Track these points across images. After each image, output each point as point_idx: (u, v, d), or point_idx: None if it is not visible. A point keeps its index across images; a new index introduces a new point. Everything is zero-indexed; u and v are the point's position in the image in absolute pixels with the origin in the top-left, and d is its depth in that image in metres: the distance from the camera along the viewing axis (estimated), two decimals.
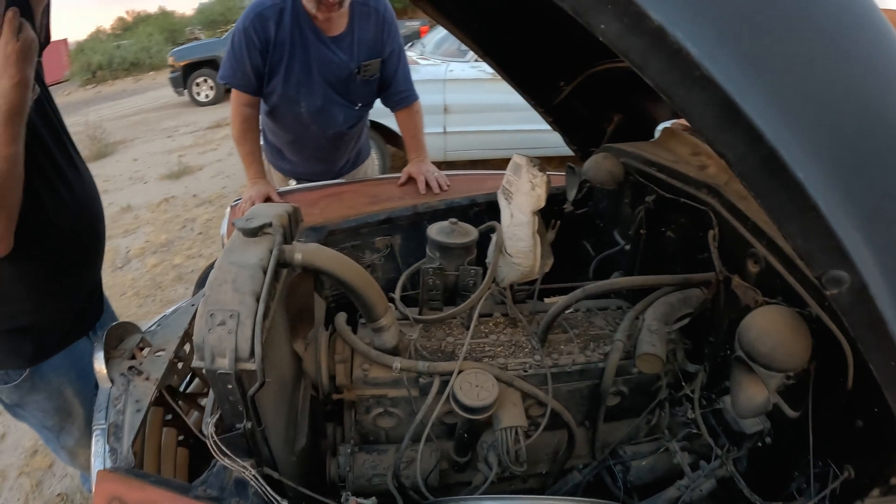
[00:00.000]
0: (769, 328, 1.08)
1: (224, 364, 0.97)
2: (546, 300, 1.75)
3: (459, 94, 5.72)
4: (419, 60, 6.03)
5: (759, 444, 1.31)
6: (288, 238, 1.28)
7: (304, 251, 1.18)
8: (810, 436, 1.12)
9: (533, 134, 5.52)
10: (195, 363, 0.99)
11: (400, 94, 2.57)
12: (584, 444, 1.54)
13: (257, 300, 1.02)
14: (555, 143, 5.43)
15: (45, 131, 1.69)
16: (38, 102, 1.66)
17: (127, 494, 1.08)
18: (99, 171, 8.61)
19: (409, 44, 7.50)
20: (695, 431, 1.42)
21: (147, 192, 7.43)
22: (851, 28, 0.64)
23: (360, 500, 1.11)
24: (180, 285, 4.78)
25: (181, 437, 1.48)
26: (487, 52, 1.87)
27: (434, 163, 2.51)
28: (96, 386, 2.02)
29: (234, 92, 2.43)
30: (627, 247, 1.81)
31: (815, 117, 0.57)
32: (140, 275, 5.10)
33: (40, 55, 1.71)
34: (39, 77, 1.69)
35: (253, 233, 1.16)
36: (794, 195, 0.56)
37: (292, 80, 2.35)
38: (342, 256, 1.25)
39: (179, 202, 6.90)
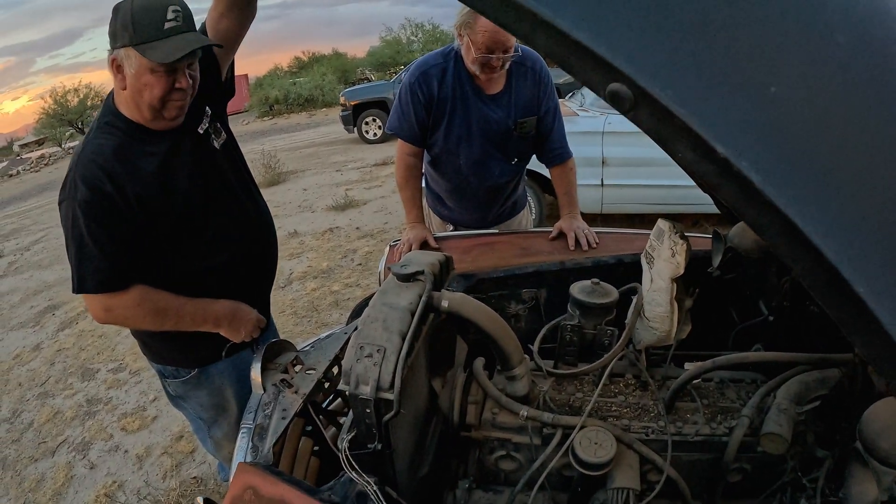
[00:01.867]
0: (892, 422, 1.04)
1: (366, 391, 1.11)
2: (686, 365, 1.74)
3: (617, 147, 5.66)
4: (578, 112, 6.03)
5: None
6: (438, 285, 1.41)
7: (451, 299, 1.31)
8: None
9: (691, 190, 5.32)
10: (341, 386, 1.15)
11: (555, 150, 2.64)
12: None
13: (403, 339, 1.15)
14: (709, 200, 5.19)
15: (229, 169, 1.98)
16: (225, 146, 1.98)
17: (261, 486, 1.22)
18: (271, 198, 9.26)
19: (570, 94, 7.53)
20: None
21: (313, 221, 7.96)
22: None
23: None
24: (336, 310, 5.05)
25: (316, 448, 1.62)
26: None
27: (590, 215, 2.56)
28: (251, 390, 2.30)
29: (399, 141, 2.62)
30: (771, 318, 1.76)
31: (877, 234, 0.60)
32: (300, 296, 5.47)
33: (226, 104, 2.07)
34: (226, 124, 2.03)
35: (406, 278, 1.30)
36: (856, 309, 0.59)
37: (453, 135, 2.50)
38: (485, 307, 1.36)
39: (343, 233, 7.28)
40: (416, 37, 32.95)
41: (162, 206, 1.74)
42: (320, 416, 1.66)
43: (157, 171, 1.74)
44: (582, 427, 1.34)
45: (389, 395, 1.10)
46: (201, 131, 1.89)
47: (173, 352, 2.02)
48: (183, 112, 1.77)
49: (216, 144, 1.94)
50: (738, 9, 0.61)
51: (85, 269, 1.69)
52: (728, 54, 0.59)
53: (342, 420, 1.78)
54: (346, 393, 1.15)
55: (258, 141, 16.68)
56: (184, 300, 1.86)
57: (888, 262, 0.60)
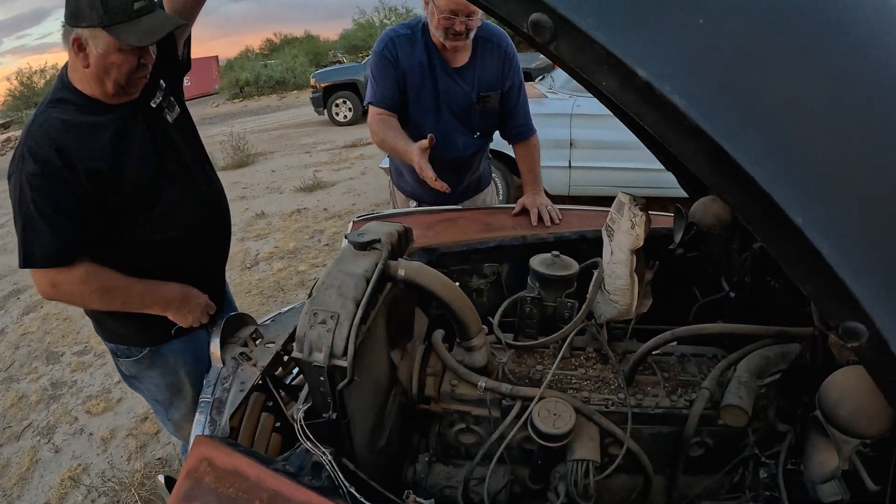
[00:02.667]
0: (850, 390, 1.03)
1: (319, 358, 1.09)
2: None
3: (586, 130, 5.68)
4: (548, 94, 6.06)
5: None
6: (395, 255, 1.38)
7: (407, 268, 1.28)
8: None
9: (658, 173, 5.36)
10: (294, 353, 1.12)
11: (518, 127, 2.65)
12: (661, 494, 1.50)
13: (357, 305, 1.13)
14: (677, 183, 5.25)
15: (182, 144, 1.95)
16: (178, 121, 1.96)
17: (216, 457, 1.20)
18: (239, 179, 9.27)
19: (541, 77, 7.54)
20: (777, 496, 1.34)
21: (281, 202, 7.90)
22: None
23: (420, 499, 1.17)
24: (302, 291, 5.03)
25: (277, 424, 1.60)
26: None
27: (558, 197, 2.56)
28: (208, 369, 2.25)
29: (371, 109, 2.51)
30: (732, 294, 1.77)
31: (813, 162, 0.59)
32: (265, 276, 5.43)
33: (181, 78, 2.04)
34: (180, 98, 1.99)
35: (363, 246, 1.27)
36: (793, 239, 0.57)
37: (420, 105, 2.49)
38: (442, 276, 1.34)
39: (310, 214, 7.26)
40: (389, 20, 32.65)
41: (113, 179, 1.71)
42: (280, 391, 1.63)
43: (108, 144, 1.71)
44: (541, 399, 1.33)
45: (343, 363, 1.07)
46: (154, 105, 1.86)
47: (125, 330, 1.98)
48: (141, 86, 1.76)
49: (169, 118, 1.91)
50: None
51: (31, 243, 1.65)
52: None
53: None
54: (300, 360, 1.12)
55: (228, 123, 16.44)
56: (132, 280, 1.82)
57: (824, 190, 0.59)
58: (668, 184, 5.42)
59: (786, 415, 1.42)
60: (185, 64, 2.05)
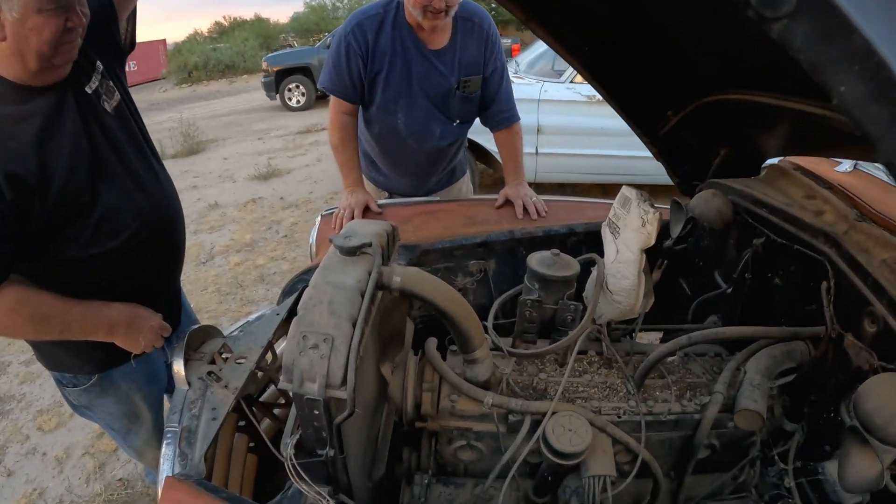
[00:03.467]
0: (890, 399, 0.98)
1: (313, 389, 0.94)
2: (639, 335, 1.67)
3: (554, 116, 5.65)
4: (513, 79, 5.94)
5: None
6: (386, 259, 1.25)
7: (404, 275, 1.14)
8: None
9: (626, 160, 5.44)
10: (282, 384, 0.97)
11: (501, 113, 2.53)
12: (667, 496, 1.45)
13: (353, 325, 0.99)
14: (647, 171, 5.32)
15: (123, 137, 1.70)
16: (119, 109, 1.71)
17: None
18: (190, 168, 8.98)
19: (507, 60, 7.48)
20: (784, 494, 1.32)
21: (235, 192, 7.66)
22: None
23: None
24: (261, 286, 4.86)
25: (252, 444, 1.47)
26: (595, 76, 1.81)
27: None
28: (166, 390, 2.05)
29: (333, 99, 2.43)
30: (729, 290, 1.71)
31: None
32: (223, 272, 5.23)
33: (124, 61, 1.83)
34: (122, 84, 1.76)
35: (351, 252, 1.13)
36: None
37: (391, 91, 2.35)
38: (441, 283, 1.21)
39: (266, 203, 7.07)
40: (341, 2, 32.21)
41: (39, 181, 1.46)
42: (254, 409, 1.48)
43: (34, 138, 1.46)
44: (553, 413, 1.23)
45: (342, 394, 0.93)
46: (90, 90, 1.61)
47: (68, 357, 1.75)
48: (71, 59, 1.51)
49: (107, 106, 1.66)
50: None
51: None
52: None
53: (278, 412, 1.61)
54: (290, 392, 0.97)
55: (176, 109, 15.92)
56: (71, 303, 1.57)
57: None
58: (634, 170, 5.52)
59: (792, 413, 1.40)
60: (129, 45, 1.84)
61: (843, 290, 1.24)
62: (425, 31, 2.25)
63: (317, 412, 0.95)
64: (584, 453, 1.20)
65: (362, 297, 1.04)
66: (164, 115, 14.89)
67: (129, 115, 1.76)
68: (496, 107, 2.51)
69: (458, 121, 2.52)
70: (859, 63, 0.42)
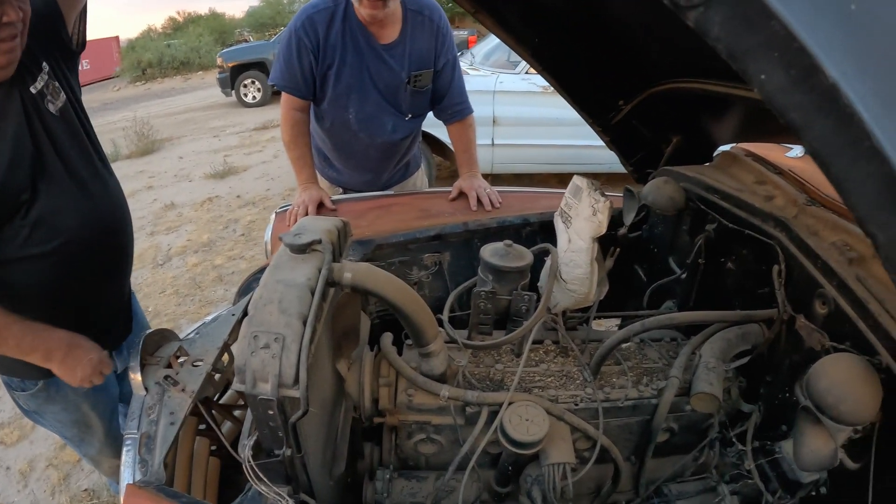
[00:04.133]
0: (841, 379, 1.03)
1: (266, 389, 0.93)
2: (595, 322, 1.69)
3: (509, 107, 5.67)
4: (469, 71, 5.97)
5: (814, 493, 1.24)
6: (337, 255, 1.24)
7: (355, 271, 1.13)
8: (870, 489, 1.07)
9: (582, 150, 5.50)
10: (235, 385, 0.96)
11: (454, 106, 2.52)
12: (628, 480, 1.48)
13: (304, 323, 0.98)
14: (603, 160, 5.36)
15: (67, 139, 1.65)
16: (65, 111, 1.65)
17: None
18: (145, 168, 8.77)
19: (460, 53, 7.48)
20: (744, 474, 1.36)
21: (191, 191, 7.51)
22: None
23: None
24: (220, 286, 4.78)
25: (213, 447, 1.44)
26: (546, 67, 1.82)
27: (482, 176, 2.47)
28: (120, 399, 2.00)
29: (284, 95, 2.40)
30: (683, 275, 1.74)
31: None
32: (180, 273, 5.12)
33: (75, 62, 1.76)
34: (70, 86, 1.70)
35: (301, 249, 1.11)
36: None
37: (342, 85, 2.32)
38: (393, 278, 1.20)
39: (223, 202, 6.94)
40: None
41: None
42: (213, 411, 1.45)
43: None
44: (510, 403, 1.24)
45: (295, 393, 0.92)
46: (34, 91, 1.55)
47: (11, 360, 1.67)
48: (14, 58, 1.44)
49: (52, 108, 1.60)
50: None
51: None
52: None
53: (238, 413, 1.59)
54: (244, 393, 0.95)
55: (130, 107, 15.52)
56: (11, 319, 1.51)
57: None
58: (588, 160, 5.57)
59: (748, 394, 1.44)
60: (79, 45, 1.76)
61: (794, 273, 1.28)
62: (375, 25, 2.23)
63: (271, 412, 0.94)
64: (543, 442, 1.20)
65: (313, 294, 1.02)
66: (118, 114, 14.53)
67: (75, 117, 1.70)
68: (448, 100, 2.50)
69: (409, 115, 2.51)
70: (779, 50, 0.42)
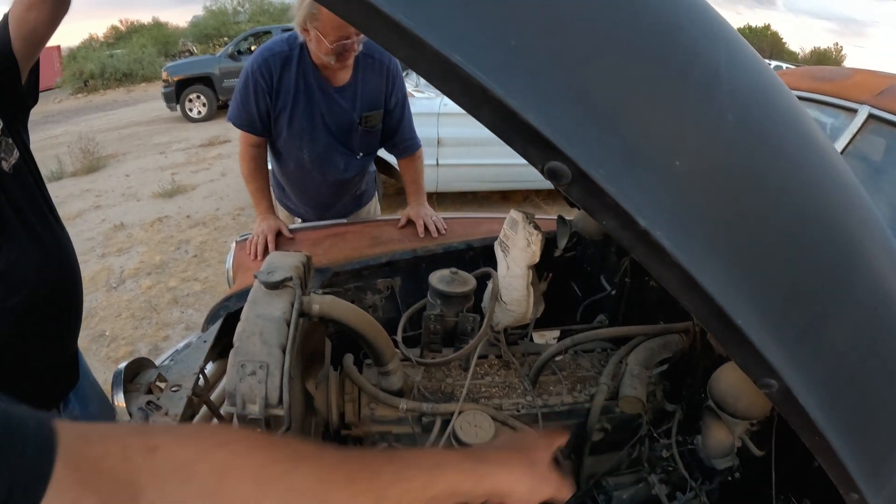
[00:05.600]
0: (736, 381, 1.22)
1: (255, 410, 1.09)
2: (537, 334, 1.86)
3: (452, 128, 5.83)
4: (414, 93, 6.10)
5: (730, 478, 1.45)
6: (304, 287, 1.40)
7: (322, 303, 1.31)
8: (772, 473, 1.28)
9: (521, 168, 5.72)
10: (226, 408, 1.11)
11: (404, 142, 2.65)
12: (569, 476, 1.63)
13: (283, 351, 1.14)
14: (540, 177, 5.56)
15: (21, 196, 1.64)
16: (17, 168, 1.64)
17: None
18: (91, 186, 8.61)
19: (405, 73, 7.60)
20: (671, 465, 1.53)
21: (140, 210, 7.43)
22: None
23: None
24: (176, 308, 4.79)
25: None
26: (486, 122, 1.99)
27: (427, 193, 2.62)
28: None
29: (241, 133, 2.49)
30: (613, 292, 1.94)
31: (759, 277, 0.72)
32: (135, 296, 5.10)
33: (26, 114, 1.74)
34: (22, 141, 1.70)
35: (275, 286, 1.27)
36: (731, 332, 0.70)
37: (295, 127, 2.42)
38: (354, 307, 1.37)
39: (173, 222, 6.90)
40: (242, 7, 31.24)
41: None
42: None
43: None
44: (460, 412, 1.41)
45: (279, 411, 1.09)
46: None
47: None
48: None
49: (5, 166, 1.59)
50: (651, 97, 0.68)
51: None
52: (646, 135, 0.66)
53: None
54: (234, 414, 1.11)
55: (72, 121, 15.11)
56: None
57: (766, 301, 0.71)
58: (529, 177, 5.81)
59: (671, 396, 1.62)
60: (31, 97, 1.74)
61: None
62: (329, 70, 2.34)
63: (258, 430, 1.10)
64: None
65: (288, 326, 1.19)
66: (59, 127, 14.16)
67: (28, 173, 1.70)
68: (399, 137, 2.63)
69: (361, 153, 2.62)
70: (611, 209, 0.63)
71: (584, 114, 0.63)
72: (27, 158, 1.70)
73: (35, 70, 1.74)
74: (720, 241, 0.70)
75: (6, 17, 1.60)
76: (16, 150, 1.65)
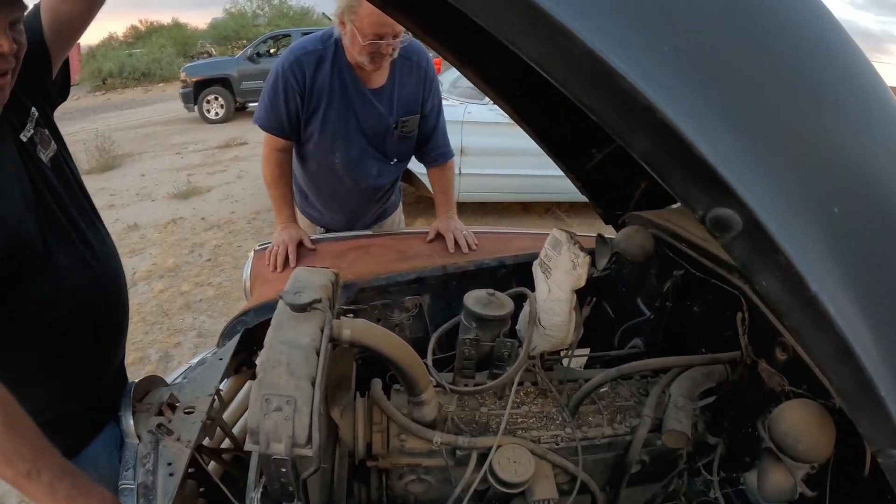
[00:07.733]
0: (799, 423, 1.13)
1: (280, 449, 0.98)
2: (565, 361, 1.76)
3: (476, 137, 5.79)
4: None
5: None
6: (332, 308, 1.30)
7: (353, 328, 1.20)
8: None
9: (546, 179, 5.65)
10: (248, 446, 1.00)
11: (437, 149, 2.57)
12: None
13: (313, 384, 1.04)
14: (565, 189, 5.49)
15: (62, 190, 1.51)
16: (55, 160, 1.52)
17: None
18: (105, 185, 8.63)
19: None
20: (711, 501, 1.43)
21: (154, 211, 7.41)
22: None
23: None
24: (188, 314, 4.72)
25: (202, 489, 1.47)
26: (524, 118, 1.91)
27: None
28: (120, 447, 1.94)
29: (267, 135, 2.40)
30: (651, 316, 1.84)
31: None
32: (146, 300, 5.03)
33: (55, 108, 1.64)
34: (57, 133, 1.58)
35: (302, 308, 1.17)
36: (874, 406, 0.60)
37: (329, 130, 2.33)
38: (388, 332, 1.28)
39: (187, 224, 6.86)
40: (262, 10, 31.43)
41: None
42: (203, 455, 1.48)
43: None
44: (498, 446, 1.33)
45: (308, 452, 0.98)
46: (24, 138, 1.41)
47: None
48: (5, 94, 1.32)
49: (43, 156, 1.46)
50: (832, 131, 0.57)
51: None
52: (821, 176, 0.54)
53: (225, 456, 1.62)
54: (258, 453, 1.00)
55: (90, 119, 15.22)
56: (52, 449, 1.19)
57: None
58: (553, 189, 5.71)
59: (713, 428, 1.52)
60: (63, 90, 1.65)
61: (757, 321, 1.37)
62: (364, 71, 2.25)
63: (284, 470, 1.00)
64: (529, 481, 1.29)
65: (317, 354, 1.09)
66: (77, 125, 14.23)
67: (65, 166, 1.56)
68: (433, 143, 2.55)
69: (395, 160, 2.53)
70: (780, 270, 0.52)
71: (769, 150, 0.50)
72: (63, 152, 1.58)
73: (66, 66, 1.65)
74: (881, 303, 0.59)
75: (37, 6, 1.52)
76: (52, 141, 1.53)
